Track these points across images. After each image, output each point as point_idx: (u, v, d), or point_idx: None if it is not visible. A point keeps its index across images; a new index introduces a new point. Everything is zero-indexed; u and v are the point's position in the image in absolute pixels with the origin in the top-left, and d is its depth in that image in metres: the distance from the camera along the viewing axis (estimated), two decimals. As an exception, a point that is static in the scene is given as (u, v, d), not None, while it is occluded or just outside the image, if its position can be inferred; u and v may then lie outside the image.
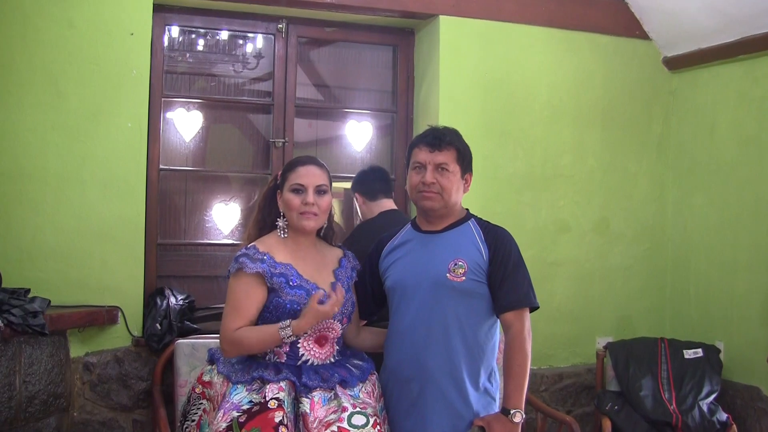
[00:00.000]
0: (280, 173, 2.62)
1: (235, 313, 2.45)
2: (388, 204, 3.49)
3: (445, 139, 2.60)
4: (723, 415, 3.84)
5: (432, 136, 2.62)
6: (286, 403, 2.34)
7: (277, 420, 2.29)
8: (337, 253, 2.70)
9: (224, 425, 2.30)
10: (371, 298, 2.76)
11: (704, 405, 3.84)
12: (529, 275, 2.61)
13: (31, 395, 3.12)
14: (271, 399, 2.34)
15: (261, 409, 2.32)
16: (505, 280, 2.54)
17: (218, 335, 2.52)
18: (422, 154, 2.60)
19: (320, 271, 2.58)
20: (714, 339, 4.13)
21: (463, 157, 2.62)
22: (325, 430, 2.33)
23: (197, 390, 2.55)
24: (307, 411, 2.36)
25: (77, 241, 3.48)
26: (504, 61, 4.20)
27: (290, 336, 2.40)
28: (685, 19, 4.15)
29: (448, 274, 2.54)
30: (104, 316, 3.46)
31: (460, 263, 2.55)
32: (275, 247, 2.53)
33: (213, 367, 2.56)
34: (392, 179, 4.13)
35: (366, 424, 2.38)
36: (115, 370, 3.54)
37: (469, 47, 4.14)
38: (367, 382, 2.55)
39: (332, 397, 2.43)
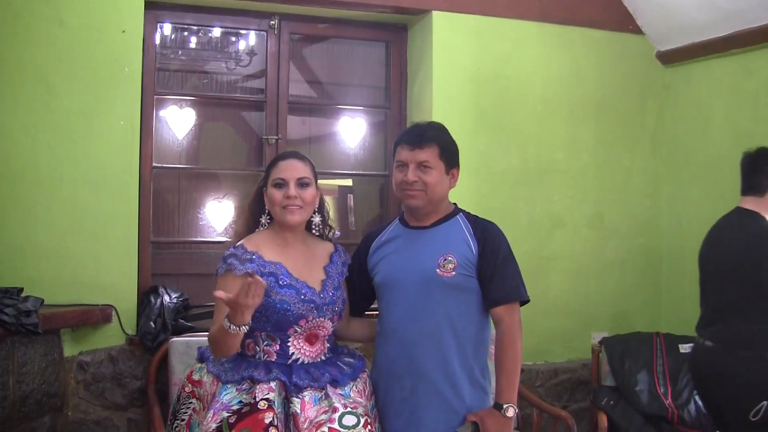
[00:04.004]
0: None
1: (220, 316, 2.38)
2: (742, 202, 3.15)
3: (425, 136, 2.58)
4: (718, 409, 3.84)
5: (413, 133, 2.61)
6: (276, 404, 2.34)
7: (267, 421, 2.28)
8: (328, 247, 2.68)
9: (214, 426, 2.29)
10: (360, 295, 2.75)
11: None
12: (519, 269, 2.61)
13: (25, 395, 3.10)
14: (261, 400, 2.32)
15: (251, 409, 2.31)
16: (495, 274, 2.54)
17: (213, 333, 2.50)
18: (404, 152, 2.59)
19: (310, 268, 2.56)
20: (709, 333, 4.12)
21: (446, 153, 2.60)
22: (316, 430, 2.33)
23: (187, 389, 2.54)
24: (298, 411, 2.35)
25: (70, 240, 3.47)
26: (497, 57, 4.19)
27: (230, 325, 2.23)
28: (678, 13, 4.14)
29: (437, 270, 2.54)
30: (98, 315, 3.45)
31: (449, 258, 2.54)
32: (264, 246, 2.51)
33: (202, 365, 2.54)
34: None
35: (357, 425, 2.37)
36: (109, 369, 3.52)
37: (462, 43, 4.12)
38: (358, 380, 2.54)
39: (323, 397, 2.41)
